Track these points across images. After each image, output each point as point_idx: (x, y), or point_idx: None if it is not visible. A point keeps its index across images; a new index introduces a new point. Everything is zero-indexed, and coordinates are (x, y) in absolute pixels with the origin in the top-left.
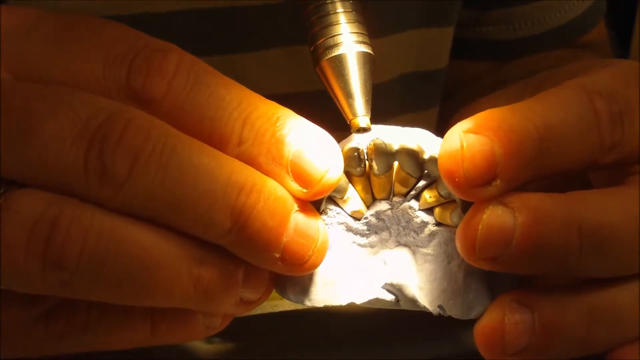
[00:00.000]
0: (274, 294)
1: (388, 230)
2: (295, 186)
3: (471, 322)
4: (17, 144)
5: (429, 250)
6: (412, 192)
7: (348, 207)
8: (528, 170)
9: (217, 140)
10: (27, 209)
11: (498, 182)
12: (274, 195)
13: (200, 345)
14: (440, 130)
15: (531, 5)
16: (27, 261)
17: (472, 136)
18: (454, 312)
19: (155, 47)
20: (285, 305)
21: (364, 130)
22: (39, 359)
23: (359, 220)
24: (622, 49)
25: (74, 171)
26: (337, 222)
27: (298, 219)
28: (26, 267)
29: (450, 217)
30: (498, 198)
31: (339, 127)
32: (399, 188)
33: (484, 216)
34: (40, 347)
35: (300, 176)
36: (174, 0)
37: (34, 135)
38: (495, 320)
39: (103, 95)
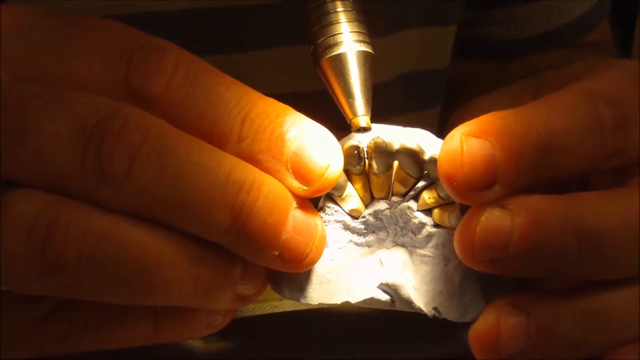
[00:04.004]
0: (274, 294)
1: (386, 230)
2: (295, 183)
3: (468, 323)
4: (14, 144)
5: (426, 251)
6: (411, 193)
7: (346, 206)
8: (528, 176)
9: (217, 138)
10: (25, 210)
11: (497, 187)
12: (273, 192)
13: (199, 346)
14: (441, 130)
15: (534, 5)
16: (25, 263)
17: (473, 140)
18: (449, 314)
19: (154, 45)
20: (285, 305)
21: (364, 129)
22: (41, 359)
23: (356, 219)
24: (623, 49)
25: (72, 170)
26: (335, 220)
27: (297, 216)
28: (25, 269)
29: (448, 219)
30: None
31: (340, 126)
32: (398, 188)
33: (482, 218)
34: (43, 347)
35: (301, 173)
36: (174, 0)
37: (31, 135)
38: (490, 324)
39: (101, 93)
